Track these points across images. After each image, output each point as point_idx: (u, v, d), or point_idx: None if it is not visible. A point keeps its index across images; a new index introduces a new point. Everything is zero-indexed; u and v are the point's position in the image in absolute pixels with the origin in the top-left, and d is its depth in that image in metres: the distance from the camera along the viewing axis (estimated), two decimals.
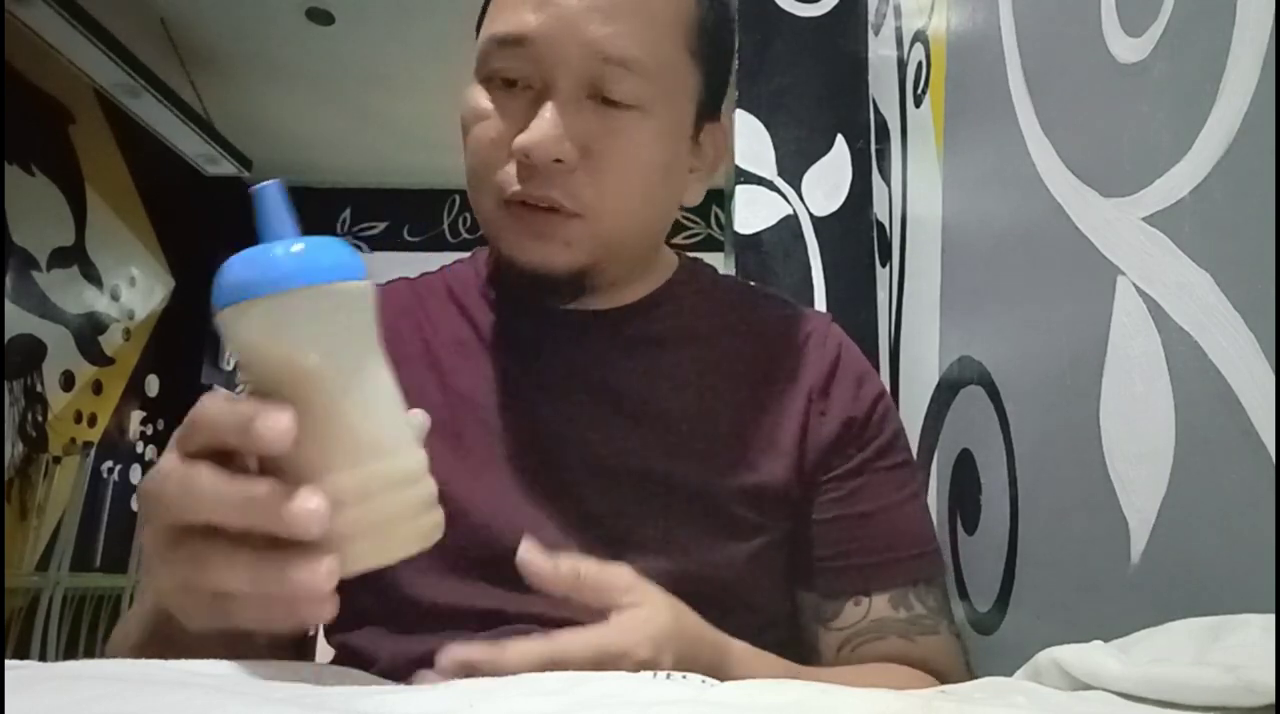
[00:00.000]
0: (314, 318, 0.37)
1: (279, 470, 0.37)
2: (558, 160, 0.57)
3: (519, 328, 0.67)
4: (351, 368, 0.39)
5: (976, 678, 0.45)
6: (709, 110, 0.66)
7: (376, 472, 0.38)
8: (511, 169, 0.59)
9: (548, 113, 0.57)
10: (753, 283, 0.77)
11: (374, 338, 0.40)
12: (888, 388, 1.13)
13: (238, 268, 0.37)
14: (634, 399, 0.64)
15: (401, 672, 0.55)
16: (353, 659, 0.60)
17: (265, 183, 0.39)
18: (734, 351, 0.68)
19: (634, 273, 0.68)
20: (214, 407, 0.38)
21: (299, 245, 0.37)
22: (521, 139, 0.57)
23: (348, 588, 0.63)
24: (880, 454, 0.66)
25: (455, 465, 0.61)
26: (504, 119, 0.59)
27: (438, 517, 0.42)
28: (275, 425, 0.36)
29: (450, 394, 0.64)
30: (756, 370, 0.67)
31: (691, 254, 0.76)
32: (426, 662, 0.55)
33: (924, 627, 0.63)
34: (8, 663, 0.33)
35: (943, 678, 0.62)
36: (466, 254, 0.76)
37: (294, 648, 0.63)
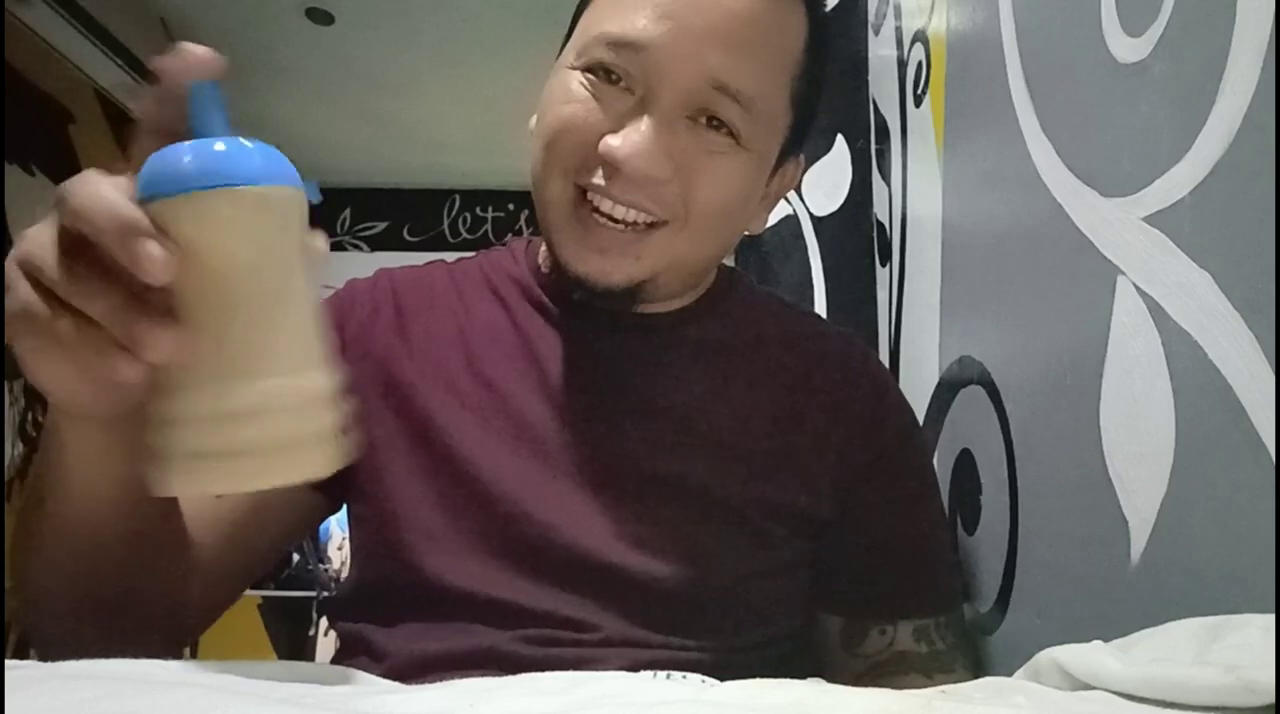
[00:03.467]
0: (253, 218, 0.36)
1: (180, 368, 0.36)
2: (649, 176, 0.56)
3: (554, 322, 0.66)
4: (276, 275, 0.37)
5: (976, 678, 0.45)
6: (791, 150, 0.66)
7: (282, 386, 0.37)
8: (590, 158, 0.57)
9: (645, 128, 0.56)
10: (786, 299, 0.77)
11: (299, 249, 0.39)
12: None
13: (180, 158, 0.36)
14: (666, 403, 0.64)
15: (411, 669, 0.55)
16: (364, 651, 0.60)
17: (201, 80, 0.38)
18: (771, 365, 0.67)
19: (683, 288, 0.67)
20: (101, 195, 0.36)
21: (246, 143, 0.37)
22: (615, 146, 0.56)
23: (366, 564, 0.64)
24: (912, 483, 0.67)
25: (482, 451, 0.61)
26: (597, 111, 0.58)
27: (336, 449, 0.40)
28: (153, 252, 0.34)
29: (480, 381, 0.64)
30: (793, 386, 0.66)
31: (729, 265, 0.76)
32: (440, 663, 0.55)
33: (942, 665, 0.63)
34: (8, 663, 0.33)
35: None
36: (468, 254, 0.76)
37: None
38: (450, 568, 0.58)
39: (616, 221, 0.58)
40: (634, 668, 0.54)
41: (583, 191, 0.58)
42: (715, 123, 0.58)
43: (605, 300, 0.61)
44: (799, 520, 0.63)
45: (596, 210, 0.58)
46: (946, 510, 0.81)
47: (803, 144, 0.67)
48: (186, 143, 0.36)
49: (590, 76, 0.58)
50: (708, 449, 0.62)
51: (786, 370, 0.67)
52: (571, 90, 0.59)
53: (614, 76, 0.58)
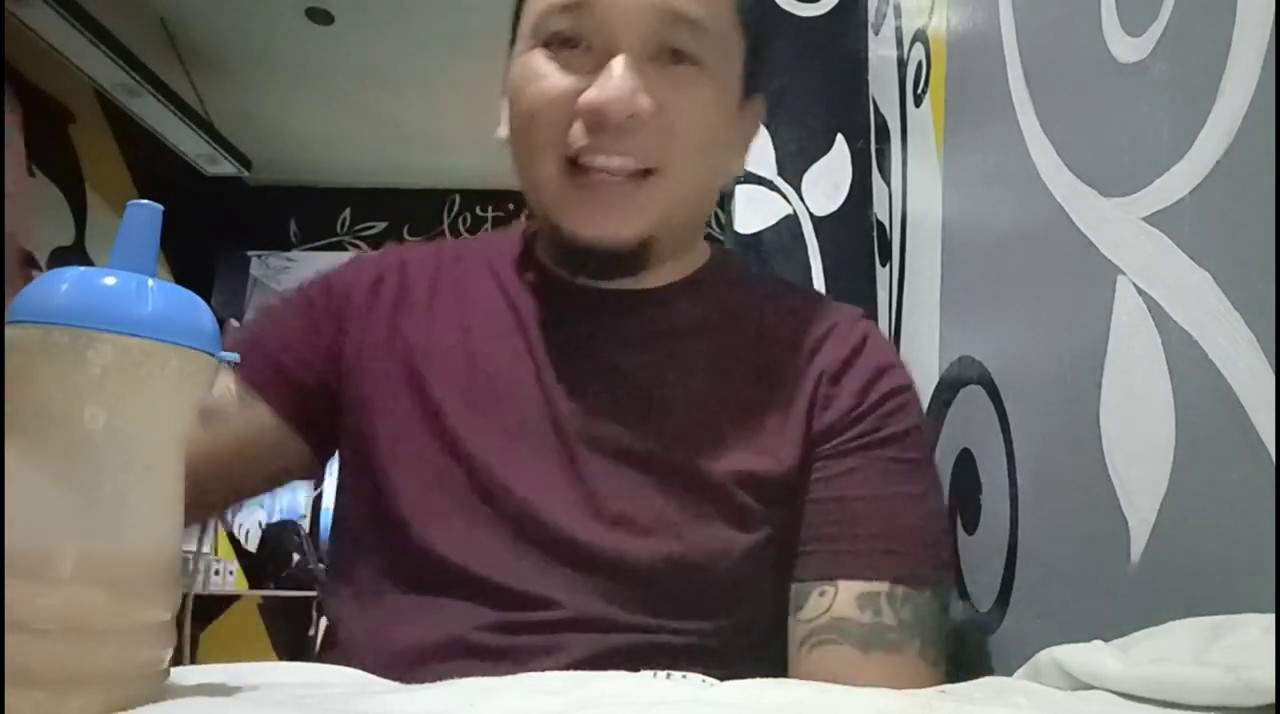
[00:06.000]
0: (172, 381, 0.31)
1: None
2: (632, 116, 0.57)
3: (547, 303, 0.67)
4: (164, 450, 0.32)
5: (977, 678, 0.45)
6: (750, 85, 0.66)
7: (75, 600, 0.30)
8: (576, 129, 0.58)
9: (618, 68, 0.56)
10: (786, 279, 0.76)
11: (188, 430, 0.33)
12: None
13: (58, 284, 0.31)
14: (649, 384, 0.64)
15: (381, 665, 0.54)
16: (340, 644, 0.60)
17: (145, 202, 0.33)
18: (752, 340, 0.67)
19: (679, 250, 0.67)
20: None
21: (151, 284, 0.31)
22: (592, 96, 0.56)
23: (356, 531, 0.64)
24: (880, 444, 0.63)
25: (470, 425, 0.62)
26: (566, 77, 0.58)
27: (145, 690, 0.31)
28: None
29: (476, 363, 0.65)
30: (771, 359, 0.66)
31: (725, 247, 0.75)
32: (408, 655, 0.56)
33: (886, 642, 0.56)
34: None
35: None
36: None
37: None
38: (439, 538, 0.59)
39: (614, 172, 0.58)
40: (601, 652, 0.55)
41: (570, 160, 0.59)
42: (676, 56, 0.59)
43: (614, 267, 0.61)
44: (777, 492, 0.62)
45: (589, 170, 0.58)
46: (947, 510, 0.81)
47: (759, 81, 0.68)
48: (80, 268, 0.32)
49: (548, 50, 0.59)
50: (690, 426, 0.63)
51: (770, 345, 0.66)
52: (535, 68, 0.59)
53: (572, 41, 0.58)
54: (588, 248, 0.60)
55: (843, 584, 0.59)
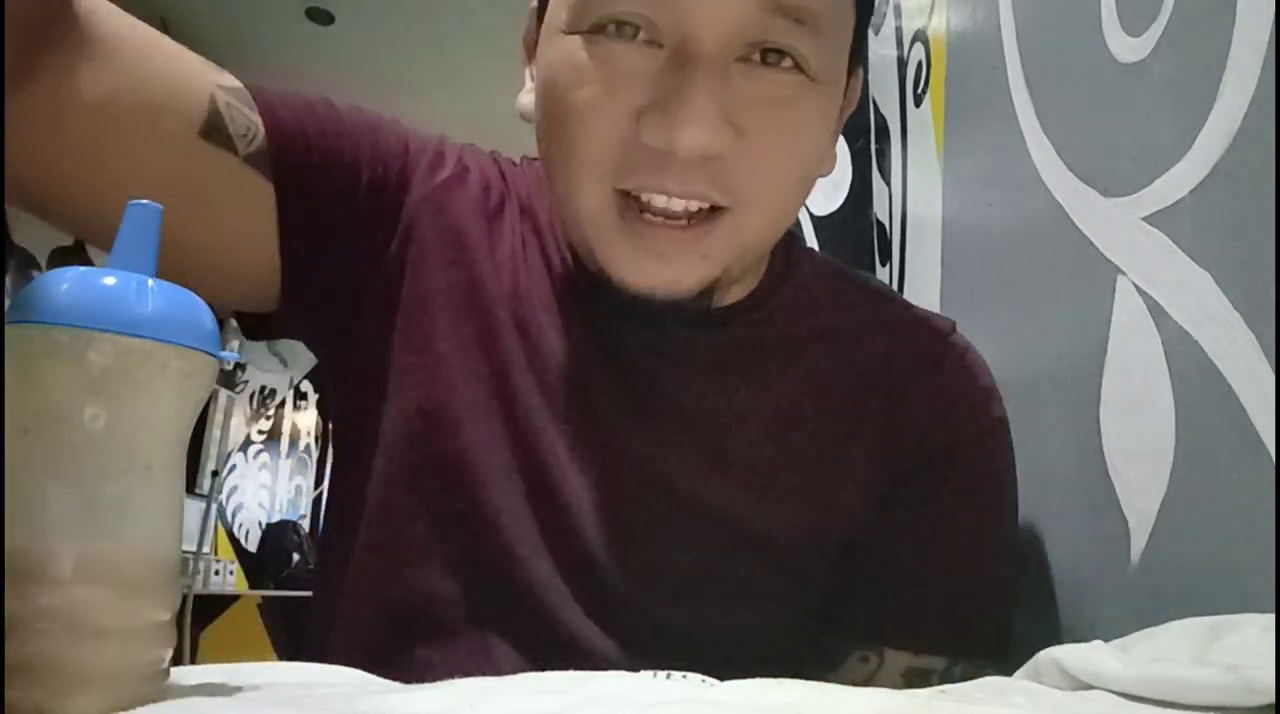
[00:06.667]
0: (173, 381, 0.31)
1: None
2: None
3: (590, 303, 0.55)
4: (164, 451, 0.32)
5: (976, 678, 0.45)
6: (855, 59, 0.52)
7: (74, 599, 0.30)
8: (631, 151, 0.45)
9: (699, 96, 0.43)
10: (857, 276, 0.64)
11: (188, 430, 0.33)
12: None
13: (59, 284, 0.31)
14: (693, 414, 0.54)
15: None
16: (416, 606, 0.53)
17: (145, 202, 0.33)
18: (828, 368, 0.56)
19: (749, 274, 0.55)
20: None
21: (151, 284, 0.31)
22: (660, 131, 0.43)
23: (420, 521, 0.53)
24: (948, 492, 0.55)
25: (528, 400, 0.53)
26: (620, 80, 0.45)
27: (146, 690, 0.31)
28: None
29: (527, 330, 0.55)
30: (848, 391, 0.56)
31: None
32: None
33: None
34: None
35: None
36: None
37: None
38: (494, 502, 0.51)
39: (674, 215, 0.46)
40: None
41: (622, 191, 0.47)
42: (773, 56, 0.45)
43: (670, 313, 0.50)
44: (833, 545, 0.54)
45: (646, 209, 0.46)
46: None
47: (864, 49, 0.54)
48: (80, 268, 0.32)
49: (598, 37, 0.45)
50: (748, 473, 0.53)
51: (844, 373, 0.56)
52: (579, 62, 0.45)
53: (631, 29, 0.45)
54: (642, 294, 0.48)
55: (890, 654, 0.52)
